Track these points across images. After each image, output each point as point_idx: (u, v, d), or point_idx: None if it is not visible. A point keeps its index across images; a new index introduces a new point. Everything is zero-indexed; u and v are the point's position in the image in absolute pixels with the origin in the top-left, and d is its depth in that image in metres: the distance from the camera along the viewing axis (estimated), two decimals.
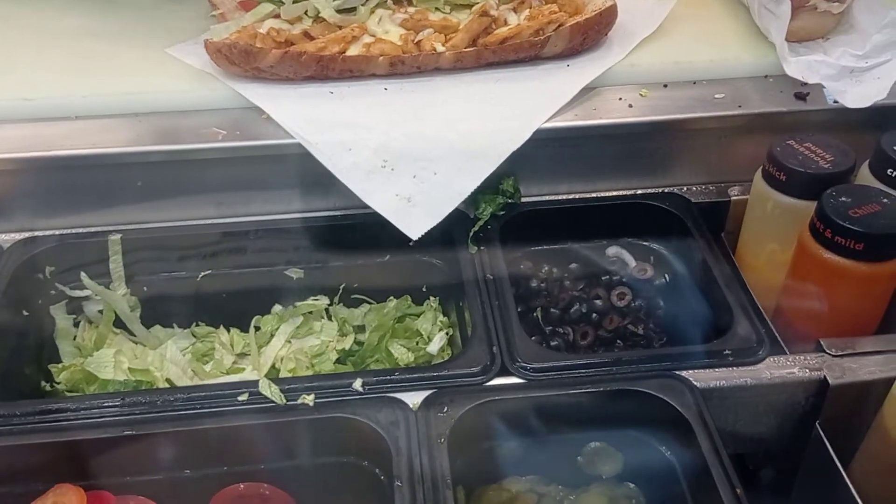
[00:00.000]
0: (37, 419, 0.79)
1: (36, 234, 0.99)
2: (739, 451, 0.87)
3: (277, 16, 1.00)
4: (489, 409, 0.80)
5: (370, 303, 1.06)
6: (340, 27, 0.99)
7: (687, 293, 1.00)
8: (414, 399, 0.81)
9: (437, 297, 1.05)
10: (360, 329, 1.04)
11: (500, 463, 0.84)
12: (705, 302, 0.97)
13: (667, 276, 1.03)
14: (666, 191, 1.05)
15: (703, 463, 0.74)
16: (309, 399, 0.80)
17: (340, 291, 1.06)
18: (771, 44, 1.05)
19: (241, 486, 0.81)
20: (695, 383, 0.81)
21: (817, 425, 0.84)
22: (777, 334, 0.89)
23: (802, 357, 0.85)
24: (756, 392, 0.83)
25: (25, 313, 0.96)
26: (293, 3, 0.99)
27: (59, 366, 0.97)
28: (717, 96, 1.02)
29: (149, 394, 0.83)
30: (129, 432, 0.78)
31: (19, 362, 0.93)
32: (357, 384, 0.81)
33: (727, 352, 0.84)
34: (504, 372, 0.83)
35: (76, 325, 1.01)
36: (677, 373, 0.82)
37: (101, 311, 1.01)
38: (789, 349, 0.88)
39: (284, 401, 0.80)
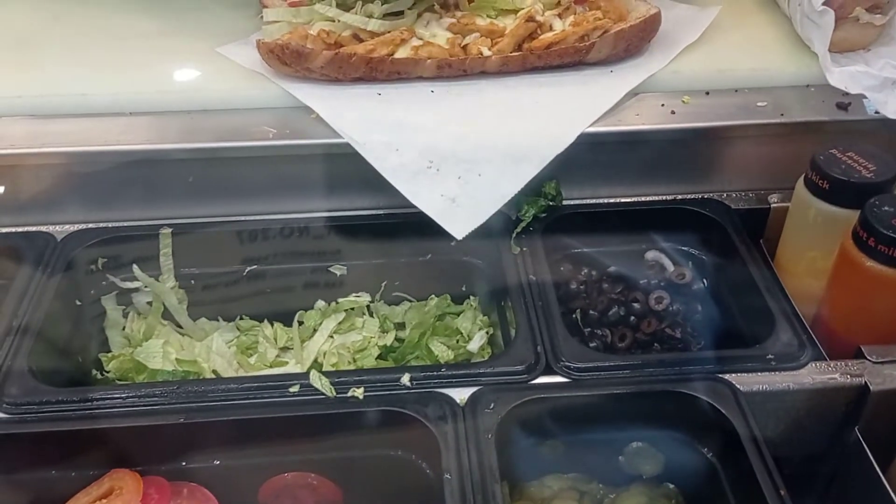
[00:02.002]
0: (94, 406, 0.81)
1: (89, 226, 1.01)
2: (778, 455, 0.88)
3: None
4: (534, 406, 0.81)
5: (411, 300, 1.08)
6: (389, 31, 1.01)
7: (725, 298, 1.01)
8: (460, 395, 0.82)
9: (477, 297, 1.06)
10: (401, 326, 1.06)
11: (543, 460, 0.85)
12: (744, 307, 0.98)
13: (705, 280, 1.04)
14: (706, 196, 1.06)
15: (746, 465, 0.75)
16: (359, 392, 0.82)
17: (382, 289, 1.08)
18: (812, 54, 1.06)
19: (289, 475, 0.83)
20: (738, 387, 0.82)
21: (857, 431, 0.85)
22: (817, 340, 0.90)
23: (844, 363, 0.86)
24: (798, 397, 0.84)
25: (78, 303, 0.98)
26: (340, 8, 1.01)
27: (109, 355, 0.99)
28: (759, 104, 1.03)
29: (202, 383, 0.85)
30: (184, 420, 0.80)
31: (72, 351, 0.96)
32: (405, 379, 0.83)
33: (770, 356, 0.86)
34: (548, 371, 0.84)
35: (125, 315, 1.03)
36: (721, 376, 0.83)
37: (149, 303, 1.03)
38: (829, 356, 0.89)
39: (334, 393, 0.82)
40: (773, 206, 1.05)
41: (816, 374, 0.85)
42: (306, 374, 0.83)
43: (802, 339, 0.88)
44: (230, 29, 1.11)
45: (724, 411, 0.80)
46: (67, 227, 1.01)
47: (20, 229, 1.01)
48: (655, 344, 1.01)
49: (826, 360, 0.87)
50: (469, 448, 0.77)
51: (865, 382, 0.84)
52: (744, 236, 1.01)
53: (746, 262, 0.98)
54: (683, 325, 1.02)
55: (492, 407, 0.80)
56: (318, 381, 0.82)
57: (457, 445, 0.77)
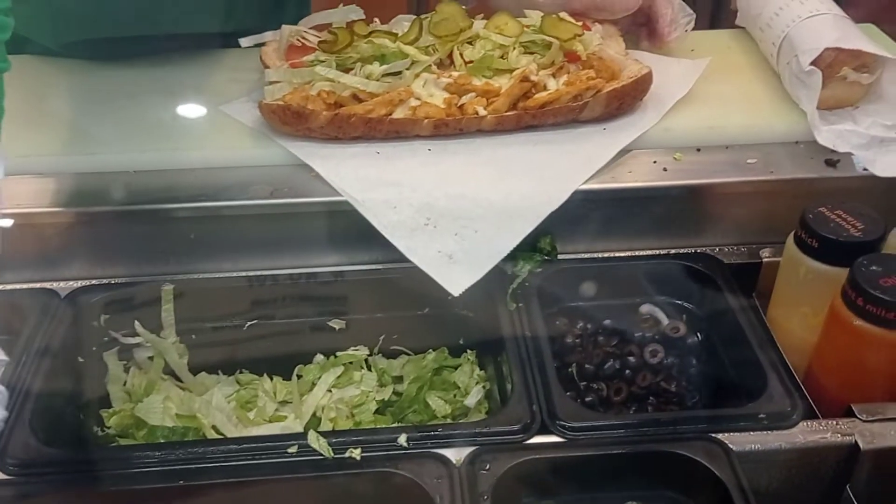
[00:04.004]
0: (94, 468, 0.82)
1: (92, 282, 1.03)
2: None
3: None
4: (530, 467, 0.82)
5: (409, 354, 1.09)
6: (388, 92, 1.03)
7: (719, 352, 1.03)
8: (456, 455, 0.83)
9: (475, 351, 1.08)
10: (398, 379, 1.07)
11: None
12: (738, 362, 0.99)
13: (699, 334, 1.06)
14: (699, 251, 1.08)
15: None
16: (356, 453, 0.83)
17: (380, 342, 1.09)
18: (801, 110, 1.08)
19: None
20: (730, 446, 0.83)
21: (848, 489, 0.86)
22: (809, 397, 0.91)
23: (834, 422, 0.87)
24: (789, 456, 0.85)
25: (80, 360, 1.00)
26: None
27: (110, 411, 1.01)
28: (749, 161, 1.05)
29: (202, 444, 0.86)
30: (182, 483, 0.81)
31: (74, 407, 0.97)
32: (402, 439, 0.84)
33: (762, 415, 0.87)
34: (544, 430, 0.86)
35: (126, 370, 1.04)
36: (714, 435, 0.85)
37: (150, 358, 1.04)
38: (821, 413, 0.90)
39: (332, 454, 0.83)
40: (764, 260, 1.06)
41: (808, 433, 0.86)
42: (304, 434, 0.84)
43: (794, 396, 0.89)
44: (233, 87, 1.14)
45: (716, 472, 0.81)
46: (71, 283, 1.03)
47: (25, 286, 1.02)
48: (651, 397, 1.02)
49: (818, 417, 0.89)
50: None
51: (856, 441, 0.85)
52: (736, 290, 1.03)
53: (739, 317, 1.00)
54: (678, 378, 1.03)
55: (487, 468, 0.81)
56: (316, 442, 0.83)
57: None
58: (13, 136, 1.03)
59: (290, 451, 0.83)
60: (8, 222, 0.99)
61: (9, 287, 1.02)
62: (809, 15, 1.09)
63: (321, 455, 0.83)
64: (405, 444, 0.84)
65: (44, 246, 1.02)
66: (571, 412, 0.87)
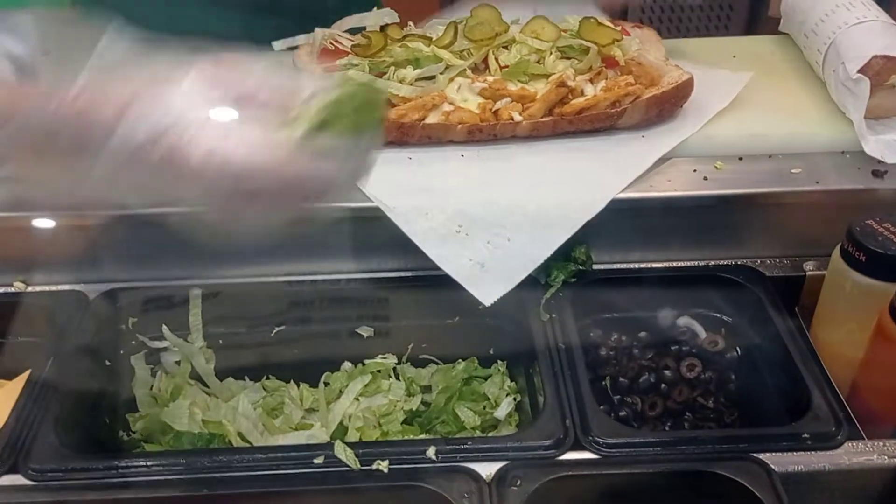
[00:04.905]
0: (118, 474, 0.81)
1: (121, 285, 1.02)
2: None
3: None
4: (561, 484, 0.80)
5: (438, 363, 1.07)
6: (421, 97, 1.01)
7: (759, 368, 0.99)
8: (486, 469, 0.81)
9: (505, 362, 1.05)
10: (427, 389, 1.05)
11: None
12: (779, 378, 0.96)
13: (738, 349, 1.03)
14: (739, 263, 1.04)
15: None
16: (383, 465, 0.81)
17: (409, 351, 1.07)
18: (848, 119, 1.04)
19: None
20: (772, 467, 0.80)
21: None
22: (854, 417, 0.87)
23: (881, 443, 0.84)
24: (833, 478, 0.82)
25: (108, 363, 0.99)
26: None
27: (136, 415, 1.00)
28: (793, 171, 1.02)
29: (227, 452, 0.84)
30: (207, 492, 0.79)
31: (100, 411, 0.96)
32: (430, 452, 0.82)
33: (805, 435, 0.83)
34: (577, 446, 0.83)
35: (153, 374, 1.03)
36: (755, 455, 0.81)
37: (177, 362, 1.03)
38: (866, 432, 0.86)
39: (359, 466, 0.81)
40: (808, 274, 1.03)
41: (853, 455, 0.82)
42: (331, 445, 0.82)
43: (839, 416, 0.86)
44: None
45: (757, 493, 0.78)
46: (99, 286, 1.02)
47: (54, 288, 1.02)
48: (687, 413, 0.99)
49: (863, 438, 0.85)
50: None
51: None
52: (778, 304, 0.99)
53: (781, 332, 0.96)
54: (716, 394, 1.00)
55: (518, 484, 0.79)
56: (343, 453, 0.81)
57: None
58: None
59: (316, 461, 0.82)
60: (37, 224, 0.99)
61: (38, 289, 1.02)
62: (857, 21, 1.06)
63: (348, 466, 0.81)
64: (434, 458, 0.82)
65: (73, 248, 1.01)
66: (606, 428, 0.84)
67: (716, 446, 0.83)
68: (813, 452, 0.82)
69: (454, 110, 1.01)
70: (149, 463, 0.82)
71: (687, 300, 1.05)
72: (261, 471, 0.81)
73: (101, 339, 0.98)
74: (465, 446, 0.83)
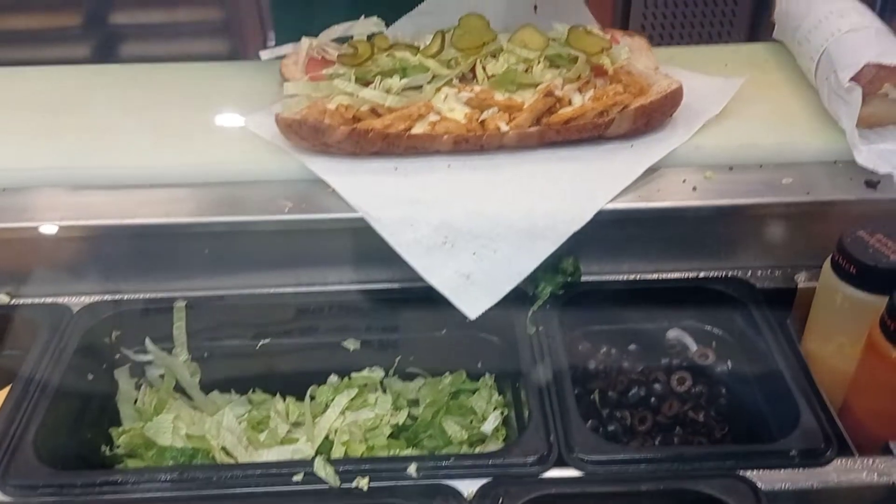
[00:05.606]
0: (98, 491, 0.80)
1: (105, 297, 1.01)
2: None
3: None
4: (544, 502, 0.79)
5: (425, 376, 1.06)
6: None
7: (750, 382, 0.98)
8: (468, 487, 0.80)
9: (493, 375, 1.04)
10: (414, 403, 1.04)
11: None
12: (769, 392, 0.94)
13: (729, 362, 1.01)
14: (730, 275, 1.03)
15: None
16: (363, 483, 0.80)
17: (396, 364, 1.06)
18: (840, 128, 1.03)
19: None
20: (759, 485, 0.79)
21: None
22: (844, 432, 0.86)
23: (871, 460, 0.82)
24: (821, 496, 0.80)
25: (90, 377, 0.98)
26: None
27: (119, 430, 0.99)
28: (784, 181, 1.00)
29: (207, 469, 0.83)
30: None
31: (83, 426, 0.95)
32: (412, 469, 0.81)
33: (793, 452, 0.82)
34: (561, 462, 0.82)
35: (137, 388, 1.02)
36: (741, 472, 0.80)
37: (161, 376, 1.02)
38: (857, 448, 0.85)
39: (339, 483, 0.80)
40: (800, 286, 1.01)
41: (842, 473, 0.81)
42: (311, 462, 0.81)
43: (828, 432, 0.84)
44: (251, 98, 1.12)
45: None
46: (83, 298, 1.01)
47: (37, 300, 1.01)
48: (677, 427, 0.97)
49: (853, 454, 0.84)
50: None
51: (894, 482, 0.80)
52: (769, 317, 0.98)
53: (771, 345, 0.95)
54: (706, 408, 0.98)
55: (500, 502, 0.78)
56: (323, 470, 0.80)
57: None
58: (27, 149, 1.04)
59: (295, 479, 0.80)
60: (22, 236, 0.98)
61: (21, 301, 1.01)
62: (850, 29, 1.04)
63: (327, 484, 0.80)
64: (415, 475, 0.81)
65: (57, 260, 1.01)
66: (590, 444, 0.83)
67: (702, 464, 0.81)
68: (800, 469, 0.81)
69: (440, 120, 1.00)
70: (129, 480, 0.81)
71: (677, 312, 1.04)
72: (241, 488, 0.80)
73: (85, 352, 0.97)
74: (447, 463, 0.82)
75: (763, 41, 1.27)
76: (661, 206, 0.99)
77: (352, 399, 1.02)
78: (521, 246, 0.95)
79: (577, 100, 1.02)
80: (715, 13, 2.50)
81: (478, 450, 0.98)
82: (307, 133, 0.99)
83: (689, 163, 1.03)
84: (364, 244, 0.98)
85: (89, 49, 2.53)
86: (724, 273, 1.03)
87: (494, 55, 1.06)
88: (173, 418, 0.97)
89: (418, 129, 1.00)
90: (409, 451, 0.97)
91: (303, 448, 0.97)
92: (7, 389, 0.92)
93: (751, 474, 0.80)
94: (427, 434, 1.00)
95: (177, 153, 1.04)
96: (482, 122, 1.01)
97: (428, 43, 1.06)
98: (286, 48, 1.13)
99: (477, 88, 1.02)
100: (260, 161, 1.03)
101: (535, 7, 1.23)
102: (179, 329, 1.01)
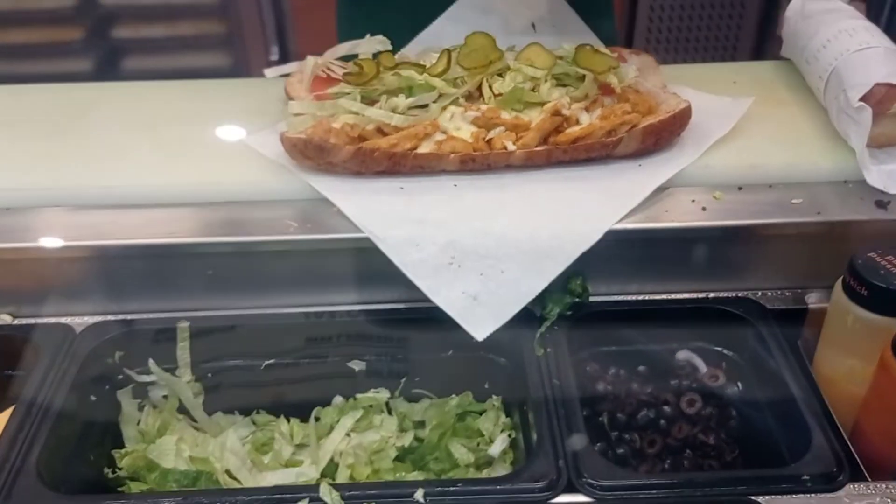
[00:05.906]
0: None
1: (108, 318, 1.00)
2: None
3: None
4: None
5: (431, 398, 1.05)
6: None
7: (761, 404, 0.97)
8: None
9: (500, 396, 1.03)
10: (420, 424, 1.03)
11: None
12: (780, 414, 0.93)
13: (739, 384, 1.00)
14: (740, 295, 1.02)
15: None
16: None
17: (401, 385, 1.05)
18: (850, 148, 1.02)
19: None
20: None
21: None
22: (856, 456, 0.85)
23: (884, 485, 0.81)
24: None
25: (93, 398, 0.97)
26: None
27: (122, 451, 0.97)
28: (794, 201, 1.00)
29: (211, 495, 0.82)
30: None
31: (85, 448, 0.94)
32: (419, 494, 0.80)
33: (805, 476, 0.81)
34: (570, 488, 0.81)
35: (140, 409, 1.01)
36: (753, 498, 0.79)
37: (165, 397, 1.01)
38: (869, 473, 0.83)
39: None
40: (810, 306, 1.00)
41: (854, 498, 0.80)
42: (316, 487, 0.80)
43: (840, 456, 0.83)
44: (255, 117, 1.11)
45: None
46: (86, 318, 1.00)
47: (40, 320, 1.00)
48: (687, 450, 0.96)
49: (866, 480, 0.82)
50: None
51: None
52: (779, 338, 0.97)
53: (782, 366, 0.94)
54: (717, 430, 0.97)
55: None
56: (329, 496, 0.79)
57: None
58: (30, 168, 1.03)
59: None
60: (25, 256, 0.97)
61: (24, 321, 1.00)
62: (859, 48, 1.04)
63: None
64: (422, 500, 0.79)
65: (60, 280, 1.00)
66: (600, 469, 0.81)
67: (713, 489, 0.80)
68: (812, 495, 0.80)
69: (447, 139, 1.00)
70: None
71: (686, 333, 1.03)
72: None
73: (88, 373, 0.96)
74: (455, 488, 0.81)
75: (769, 58, 1.27)
76: (670, 226, 0.98)
77: (357, 421, 1.01)
78: (528, 266, 0.94)
79: (585, 119, 1.02)
80: (720, 27, 2.50)
81: (485, 473, 0.97)
82: (312, 152, 0.98)
83: (698, 183, 1.02)
84: (370, 264, 0.97)
85: (92, 63, 2.54)
86: (733, 294, 1.02)
87: (501, 74, 1.05)
88: (176, 440, 0.96)
89: (424, 148, 1.00)
90: (415, 475, 0.96)
91: (307, 471, 0.96)
92: (10, 411, 0.91)
93: (763, 500, 0.79)
94: (433, 457, 0.98)
95: (180, 172, 1.03)
96: (489, 142, 1.00)
97: (434, 61, 1.06)
98: (291, 66, 1.12)
99: (483, 107, 1.02)
100: (264, 180, 1.02)
101: (534, 25, 1.23)
102: (183, 350, 1.00)
